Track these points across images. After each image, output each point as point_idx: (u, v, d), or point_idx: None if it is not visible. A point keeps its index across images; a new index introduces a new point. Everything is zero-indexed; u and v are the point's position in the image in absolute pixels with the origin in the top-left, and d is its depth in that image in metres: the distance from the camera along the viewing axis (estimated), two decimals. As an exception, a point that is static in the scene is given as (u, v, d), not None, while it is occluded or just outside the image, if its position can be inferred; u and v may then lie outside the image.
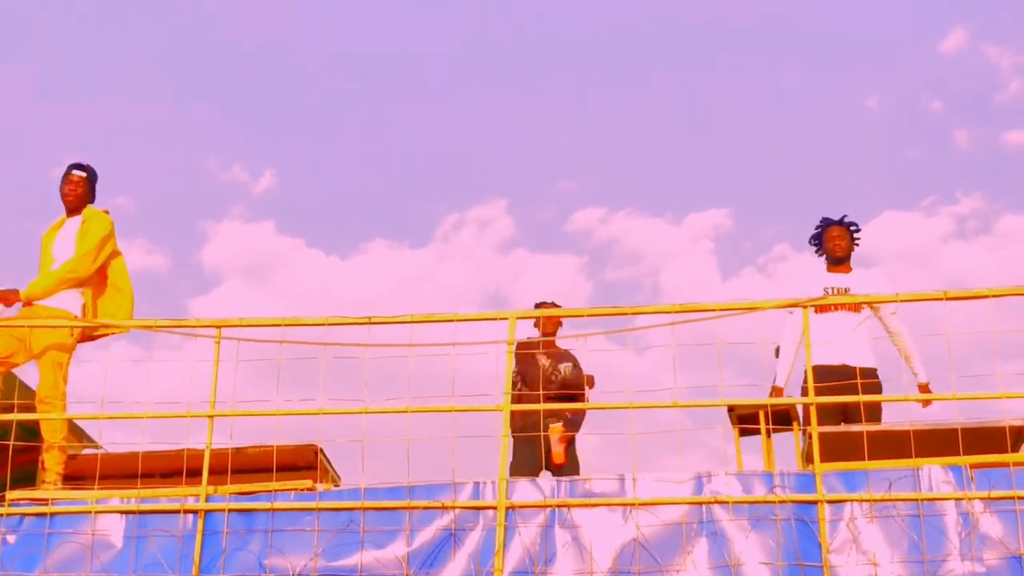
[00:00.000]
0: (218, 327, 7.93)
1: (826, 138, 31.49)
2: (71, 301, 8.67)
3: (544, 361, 9.98)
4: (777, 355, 9.11)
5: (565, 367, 10.06)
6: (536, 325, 10.29)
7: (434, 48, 32.39)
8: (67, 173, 9.01)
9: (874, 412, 8.42)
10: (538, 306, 10.27)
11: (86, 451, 9.19)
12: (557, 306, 10.21)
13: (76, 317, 8.61)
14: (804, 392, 8.32)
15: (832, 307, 9.08)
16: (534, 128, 32.68)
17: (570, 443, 9.89)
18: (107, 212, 8.96)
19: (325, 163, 33.84)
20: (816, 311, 8.89)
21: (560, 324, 10.19)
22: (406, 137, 33.41)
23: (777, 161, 32.19)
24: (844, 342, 8.96)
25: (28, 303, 8.64)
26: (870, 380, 8.75)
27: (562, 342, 10.29)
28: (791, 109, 31.79)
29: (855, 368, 8.75)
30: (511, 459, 9.52)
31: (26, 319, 8.50)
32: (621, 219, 32.84)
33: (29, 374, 8.83)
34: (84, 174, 9.00)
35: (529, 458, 9.63)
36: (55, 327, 8.42)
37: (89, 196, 9.03)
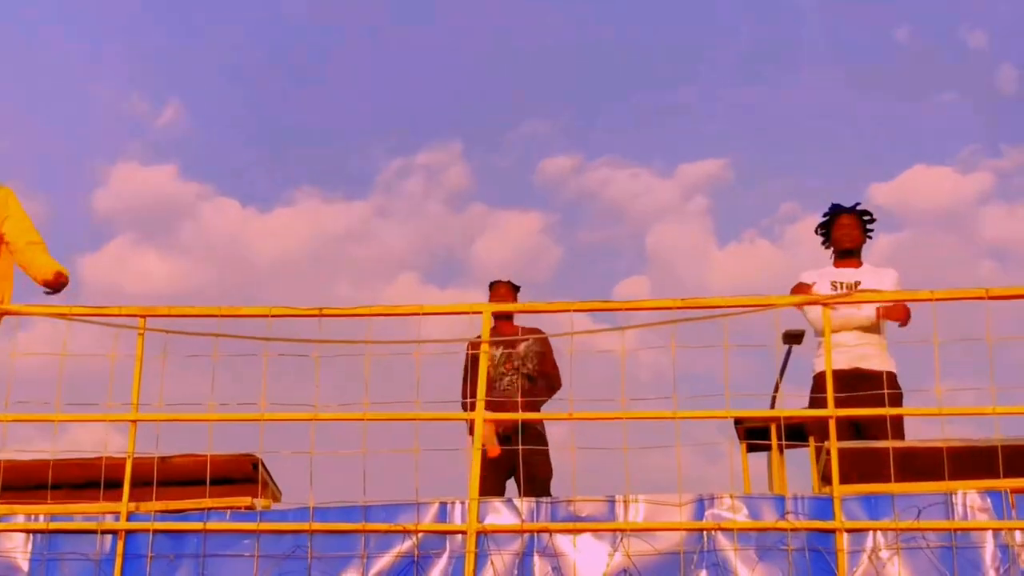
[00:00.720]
0: (143, 316, 6.90)
1: (844, 75, 28.27)
2: None
3: (495, 352, 8.89)
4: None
5: (524, 349, 9.01)
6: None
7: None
8: None
9: (895, 426, 7.45)
10: (492, 285, 9.34)
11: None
12: (513, 286, 9.33)
13: None
14: (814, 402, 7.37)
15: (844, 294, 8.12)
16: (494, 57, 29.20)
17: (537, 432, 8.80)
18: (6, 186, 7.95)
19: (242, 94, 30.20)
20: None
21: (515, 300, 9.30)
22: (342, 66, 30.01)
23: (784, 102, 28.87)
24: (857, 343, 8.01)
25: None
26: (889, 388, 7.78)
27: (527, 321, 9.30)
28: (804, 35, 28.12)
29: (870, 372, 7.82)
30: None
31: None
32: (598, 169, 29.43)
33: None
34: None
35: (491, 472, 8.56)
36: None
37: None
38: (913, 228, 27.44)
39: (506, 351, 9.10)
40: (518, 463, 8.49)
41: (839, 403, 6.96)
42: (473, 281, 27.27)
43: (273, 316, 6.90)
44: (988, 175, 26.64)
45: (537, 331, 8.98)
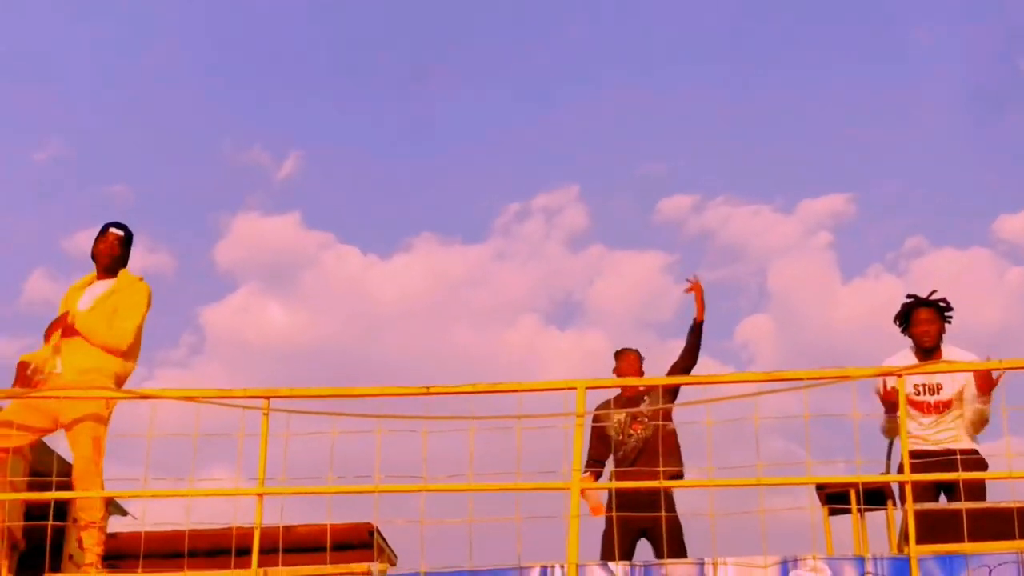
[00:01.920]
0: (267, 398, 7.46)
1: (979, 104, 27.62)
2: (106, 371, 8.18)
3: (618, 418, 9.26)
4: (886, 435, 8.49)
5: (648, 409, 9.28)
6: (615, 372, 9.53)
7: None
8: (104, 231, 8.54)
9: (978, 494, 7.80)
10: (617, 355, 9.59)
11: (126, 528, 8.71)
12: (637, 354, 9.56)
13: (112, 388, 8.14)
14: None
15: (923, 411, 8.39)
16: (613, 99, 28.69)
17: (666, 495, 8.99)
18: (142, 279, 8.50)
19: (360, 142, 30.12)
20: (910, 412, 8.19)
21: (642, 372, 9.49)
22: (459, 111, 29.52)
23: (910, 134, 27.64)
24: (940, 428, 8.36)
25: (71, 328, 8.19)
26: (973, 458, 8.14)
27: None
28: (925, 68, 27.48)
29: (956, 450, 8.16)
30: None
31: (57, 389, 8.04)
32: (718, 207, 28.84)
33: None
34: (122, 233, 8.55)
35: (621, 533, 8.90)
36: (93, 397, 7.97)
37: (125, 258, 8.58)
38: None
39: (629, 411, 9.32)
40: (647, 526, 8.80)
41: (925, 471, 7.40)
42: (592, 323, 27.31)
43: (385, 395, 7.45)
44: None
45: (655, 388, 9.26)
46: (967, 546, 7.00)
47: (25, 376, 8.22)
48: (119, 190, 27.93)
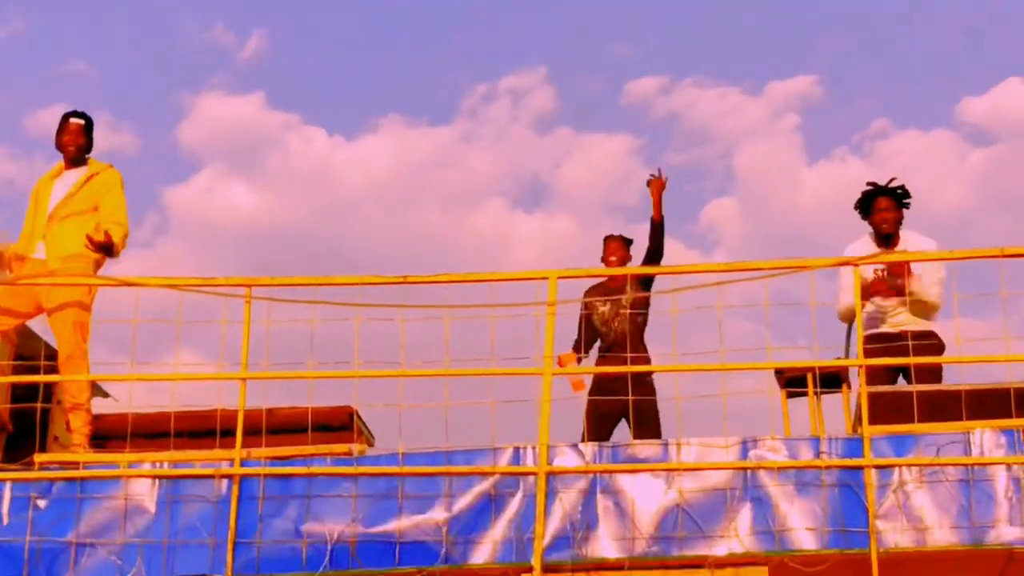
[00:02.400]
0: (248, 286, 7.74)
1: None
2: (82, 259, 8.44)
3: (602, 309, 9.58)
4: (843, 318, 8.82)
5: (628, 298, 9.47)
6: (603, 260, 9.75)
7: None
8: (65, 121, 8.75)
9: (934, 377, 8.19)
10: (606, 240, 9.81)
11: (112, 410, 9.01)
12: (623, 240, 9.79)
13: (93, 274, 8.42)
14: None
15: (880, 295, 8.69)
16: None
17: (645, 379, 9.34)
18: (111, 166, 8.74)
19: (327, 21, 29.26)
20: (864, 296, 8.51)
21: (629, 258, 9.74)
22: None
23: (877, 13, 27.70)
24: (900, 310, 8.68)
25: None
26: (930, 343, 8.50)
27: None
28: None
29: (914, 332, 8.51)
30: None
31: (40, 275, 8.32)
32: (686, 89, 28.91)
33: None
34: (83, 122, 8.75)
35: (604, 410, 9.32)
36: (77, 284, 8.25)
37: (89, 145, 8.79)
38: (1006, 143, 27.28)
39: (612, 299, 9.58)
40: (626, 410, 9.02)
41: (882, 355, 7.80)
42: (560, 206, 27.46)
43: (363, 284, 7.75)
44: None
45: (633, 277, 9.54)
46: (917, 427, 7.43)
47: (4, 261, 8.50)
48: (79, 68, 27.77)
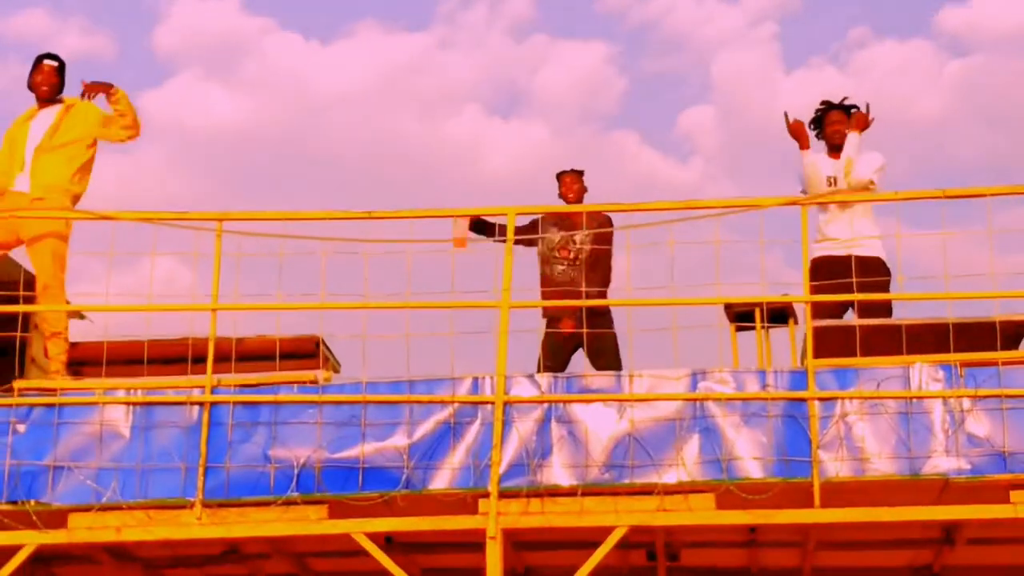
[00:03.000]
0: (219, 220, 8.02)
1: None
2: (62, 191, 8.74)
3: (553, 237, 9.76)
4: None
5: (582, 238, 9.64)
6: (560, 195, 9.99)
7: None
8: (38, 64, 9.04)
9: (883, 306, 8.50)
10: (558, 176, 10.04)
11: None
12: (578, 175, 9.98)
13: (70, 207, 8.72)
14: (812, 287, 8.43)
15: (837, 191, 9.01)
16: None
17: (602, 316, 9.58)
18: (92, 103, 9.01)
19: None
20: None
21: (585, 190, 9.94)
22: None
23: None
24: (852, 236, 8.98)
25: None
26: (878, 273, 8.79)
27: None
28: None
29: (862, 257, 8.83)
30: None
31: (19, 208, 8.62)
32: None
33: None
34: (56, 64, 9.04)
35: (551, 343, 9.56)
36: (54, 218, 8.54)
37: (62, 85, 9.08)
38: (984, 53, 27.35)
39: (565, 236, 9.76)
40: (582, 342, 9.39)
41: (832, 288, 8.12)
42: (536, 113, 27.59)
43: (330, 219, 8.05)
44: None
45: (600, 220, 9.53)
46: (859, 361, 7.75)
47: None
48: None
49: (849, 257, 8.83)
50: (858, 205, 8.98)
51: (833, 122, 9.32)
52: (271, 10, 29.13)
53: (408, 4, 29.17)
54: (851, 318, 8.54)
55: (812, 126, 9.43)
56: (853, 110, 9.28)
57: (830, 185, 9.05)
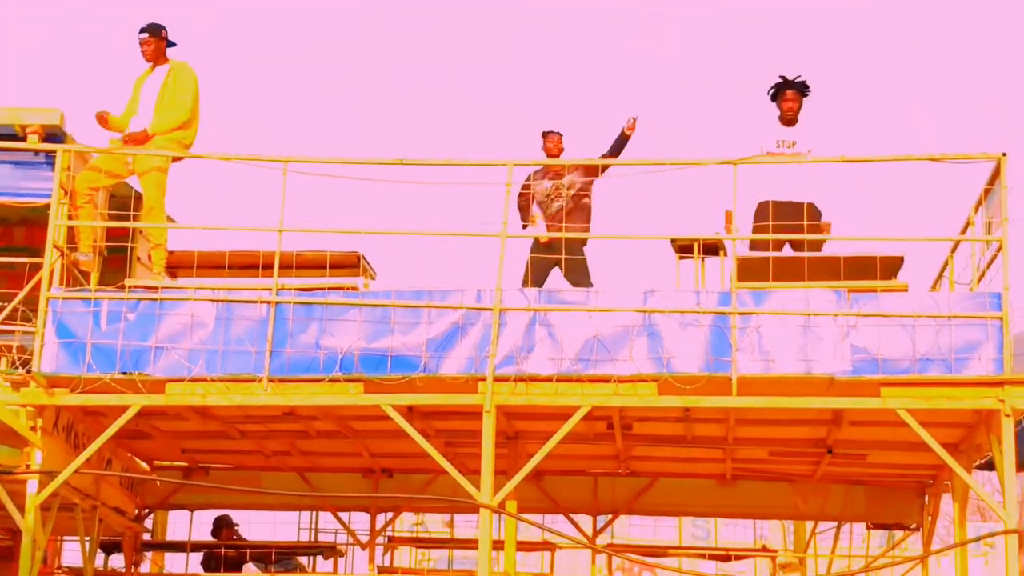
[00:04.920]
0: (285, 162, 10.30)
1: None
2: (167, 138, 11.09)
3: (546, 186, 12.03)
4: None
5: (569, 180, 11.92)
6: (546, 152, 12.19)
7: None
8: (139, 39, 11.25)
9: (812, 244, 10.78)
10: (544, 135, 12.24)
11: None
12: (560, 136, 12.17)
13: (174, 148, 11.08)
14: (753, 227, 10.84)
15: (782, 153, 11.28)
16: None
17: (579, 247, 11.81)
18: (187, 64, 11.26)
19: None
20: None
21: (562, 149, 12.17)
22: None
23: None
24: (792, 181, 11.26)
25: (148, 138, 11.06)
26: (812, 215, 11.11)
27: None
28: None
29: (799, 204, 11.17)
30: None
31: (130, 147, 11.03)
32: None
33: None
34: (148, 35, 11.23)
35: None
36: (159, 154, 10.89)
37: (163, 48, 11.30)
38: None
39: (555, 182, 12.02)
40: (559, 264, 11.66)
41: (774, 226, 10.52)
42: None
43: (373, 164, 10.35)
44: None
45: (580, 165, 11.91)
46: (771, 285, 10.06)
47: (106, 127, 11.17)
48: None
49: (790, 202, 11.17)
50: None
51: (788, 100, 11.48)
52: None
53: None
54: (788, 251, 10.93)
55: (770, 96, 11.59)
56: (805, 89, 11.46)
57: (778, 147, 11.28)
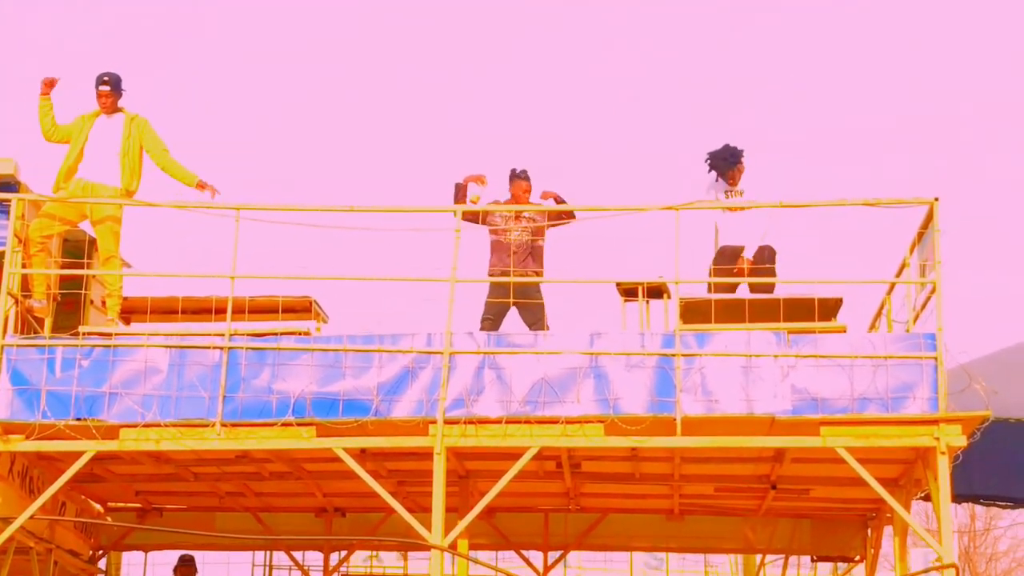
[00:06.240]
0: (237, 209, 10.49)
1: None
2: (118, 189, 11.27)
3: (504, 214, 12.09)
4: None
5: (530, 215, 12.01)
6: (512, 194, 12.26)
7: None
8: (96, 89, 11.43)
9: (763, 286, 11.07)
10: (512, 179, 12.31)
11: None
12: (528, 180, 12.24)
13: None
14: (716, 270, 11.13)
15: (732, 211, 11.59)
16: None
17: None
18: (138, 115, 11.44)
19: None
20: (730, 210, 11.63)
21: (529, 191, 12.22)
22: None
23: None
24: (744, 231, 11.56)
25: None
26: (768, 260, 11.40)
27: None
28: None
29: (762, 248, 11.50)
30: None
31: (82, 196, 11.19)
32: None
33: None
34: (109, 88, 11.40)
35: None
36: (112, 203, 11.06)
37: (119, 99, 11.47)
38: None
39: (515, 212, 12.04)
40: (518, 305, 11.84)
41: (726, 271, 10.84)
42: None
43: (322, 211, 10.56)
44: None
45: (540, 206, 12.05)
46: (714, 327, 10.30)
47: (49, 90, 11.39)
48: None
49: (742, 247, 11.47)
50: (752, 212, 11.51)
51: (741, 170, 11.80)
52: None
53: None
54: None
55: (719, 158, 11.83)
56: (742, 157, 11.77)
57: (728, 196, 11.60)
